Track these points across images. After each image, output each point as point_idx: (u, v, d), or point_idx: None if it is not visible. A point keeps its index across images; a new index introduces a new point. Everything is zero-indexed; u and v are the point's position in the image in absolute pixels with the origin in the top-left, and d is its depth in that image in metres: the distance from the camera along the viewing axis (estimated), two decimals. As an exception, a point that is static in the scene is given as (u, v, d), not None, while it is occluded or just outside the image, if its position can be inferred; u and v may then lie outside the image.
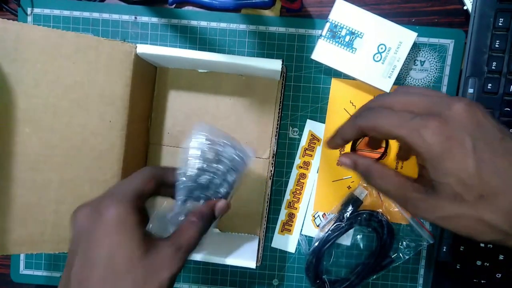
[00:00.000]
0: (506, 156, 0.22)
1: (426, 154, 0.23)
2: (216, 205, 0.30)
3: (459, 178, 0.22)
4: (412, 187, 0.25)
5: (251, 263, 0.39)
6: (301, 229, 0.46)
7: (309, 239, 0.46)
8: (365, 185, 0.44)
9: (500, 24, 0.39)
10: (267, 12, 0.44)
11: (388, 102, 0.26)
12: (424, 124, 0.23)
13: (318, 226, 0.46)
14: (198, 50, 0.43)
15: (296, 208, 0.46)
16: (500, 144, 0.22)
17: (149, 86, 0.44)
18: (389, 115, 0.25)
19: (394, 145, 0.44)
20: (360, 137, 0.31)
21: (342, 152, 0.45)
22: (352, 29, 0.41)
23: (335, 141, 0.30)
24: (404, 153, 0.33)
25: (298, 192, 0.45)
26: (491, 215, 0.22)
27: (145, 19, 0.45)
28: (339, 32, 0.42)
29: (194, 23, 0.45)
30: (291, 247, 0.46)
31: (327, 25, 0.42)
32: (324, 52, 0.42)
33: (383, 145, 0.44)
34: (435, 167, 0.23)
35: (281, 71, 0.38)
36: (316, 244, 0.44)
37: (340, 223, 0.43)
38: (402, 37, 0.41)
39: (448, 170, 0.22)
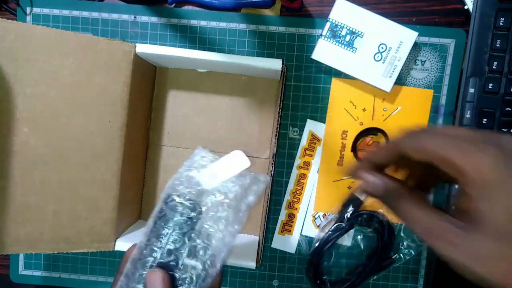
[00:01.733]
0: None
1: (478, 180, 0.20)
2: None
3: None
4: (446, 222, 0.22)
5: (251, 264, 0.39)
6: (301, 230, 0.45)
7: (310, 240, 0.45)
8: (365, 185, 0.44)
9: (501, 23, 0.39)
10: (267, 12, 0.44)
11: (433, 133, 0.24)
12: (481, 148, 0.21)
13: (318, 226, 0.45)
14: (198, 49, 0.43)
15: (296, 209, 0.45)
16: None
17: (149, 86, 0.44)
18: (440, 137, 0.23)
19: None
20: (395, 161, 0.28)
21: (343, 154, 0.44)
22: (353, 28, 0.41)
23: (363, 165, 0.27)
24: (431, 179, 0.28)
25: (298, 192, 0.45)
26: None
27: (144, 18, 0.45)
28: (339, 32, 0.41)
29: (193, 22, 0.45)
30: (291, 248, 0.46)
31: (328, 24, 0.42)
32: (325, 51, 0.42)
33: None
34: (486, 196, 0.20)
35: (281, 70, 0.38)
36: (317, 244, 0.44)
37: (341, 223, 0.43)
38: (402, 37, 0.41)
39: (501, 202, 0.20)
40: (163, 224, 0.28)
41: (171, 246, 0.28)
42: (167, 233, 0.28)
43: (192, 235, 0.28)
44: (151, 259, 0.28)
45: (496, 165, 0.20)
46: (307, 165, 0.45)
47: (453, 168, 0.22)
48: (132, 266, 0.28)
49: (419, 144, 0.24)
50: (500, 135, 0.22)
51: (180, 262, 0.27)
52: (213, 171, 0.29)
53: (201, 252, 0.28)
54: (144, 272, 0.27)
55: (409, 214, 0.23)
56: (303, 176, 0.45)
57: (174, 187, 0.29)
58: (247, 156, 0.39)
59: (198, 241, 0.28)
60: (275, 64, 0.37)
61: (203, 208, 0.28)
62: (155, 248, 0.28)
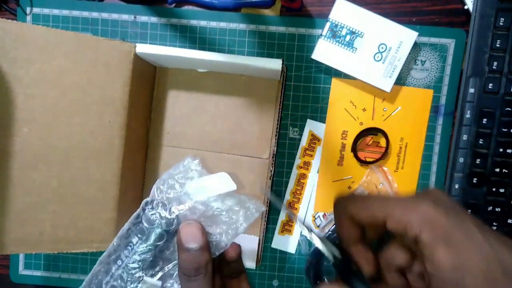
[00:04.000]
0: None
1: (424, 230, 0.22)
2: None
3: None
4: None
5: (251, 264, 0.39)
6: (301, 230, 0.45)
7: (310, 240, 0.45)
8: (365, 185, 0.44)
9: (501, 23, 0.39)
10: (267, 12, 0.44)
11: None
12: (419, 201, 0.22)
13: (318, 226, 0.45)
14: (198, 49, 0.43)
15: (296, 209, 0.45)
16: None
17: (149, 86, 0.44)
18: (379, 200, 0.24)
19: (394, 145, 0.44)
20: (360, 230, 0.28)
21: (343, 154, 0.44)
22: (353, 28, 0.41)
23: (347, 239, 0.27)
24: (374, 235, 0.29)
25: (298, 192, 0.45)
26: None
27: (144, 18, 0.45)
28: (339, 32, 0.41)
29: (193, 22, 0.45)
30: (291, 248, 0.46)
31: (328, 24, 0.42)
32: (325, 51, 0.42)
33: (384, 145, 0.44)
34: (430, 245, 0.21)
35: (281, 70, 0.38)
36: (316, 244, 0.44)
37: (341, 223, 0.43)
38: (402, 37, 0.41)
39: (446, 250, 0.21)
40: (135, 231, 0.27)
41: (137, 258, 0.27)
42: (137, 242, 0.27)
43: (164, 252, 0.27)
44: (115, 266, 0.27)
45: (436, 214, 0.21)
46: (307, 165, 0.45)
47: (398, 224, 0.22)
48: (98, 269, 0.27)
49: (365, 210, 0.25)
50: (431, 189, 0.23)
51: (142, 276, 0.26)
52: (199, 185, 0.28)
53: (165, 271, 0.27)
54: (107, 279, 0.26)
55: None
56: (303, 176, 0.45)
57: (155, 194, 0.28)
58: (247, 156, 0.39)
59: (166, 259, 0.27)
60: (275, 64, 0.37)
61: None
62: (122, 256, 0.27)
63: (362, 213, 0.25)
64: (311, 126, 0.45)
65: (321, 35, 0.42)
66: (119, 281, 0.26)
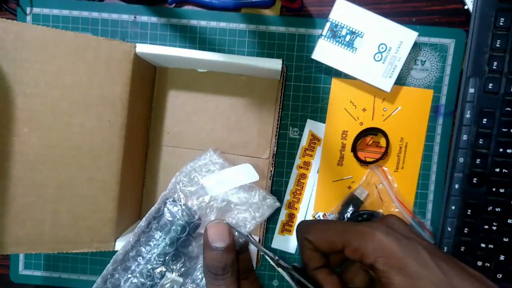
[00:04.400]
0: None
1: (380, 255, 0.22)
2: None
3: None
4: None
5: (251, 264, 0.39)
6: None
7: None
8: (365, 185, 0.44)
9: (501, 23, 0.39)
10: (267, 12, 0.44)
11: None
12: (373, 227, 0.23)
13: (318, 226, 0.45)
14: (198, 49, 0.43)
15: (296, 209, 0.45)
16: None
17: (149, 86, 0.44)
18: (335, 226, 0.25)
19: (395, 144, 0.44)
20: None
21: (343, 154, 0.44)
22: (353, 28, 0.41)
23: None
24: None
25: (298, 192, 0.45)
26: None
27: (144, 18, 0.45)
28: (339, 32, 0.41)
29: (193, 22, 0.45)
30: (291, 248, 0.46)
31: (328, 24, 0.42)
32: (325, 51, 0.42)
33: (384, 145, 0.44)
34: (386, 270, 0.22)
35: (281, 70, 0.38)
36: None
37: (340, 223, 0.43)
38: (402, 37, 0.41)
39: (402, 274, 0.22)
40: (157, 226, 0.27)
41: (159, 252, 0.26)
42: (160, 237, 0.27)
43: (187, 247, 0.27)
44: (135, 263, 0.26)
45: (388, 243, 0.22)
46: (307, 165, 0.45)
47: (354, 253, 0.23)
48: (112, 268, 0.26)
49: (324, 238, 0.25)
50: (387, 216, 0.25)
51: (164, 272, 0.26)
52: (220, 177, 0.28)
53: (187, 267, 0.27)
54: (127, 276, 0.26)
55: None
56: (303, 176, 0.45)
57: (176, 188, 0.28)
58: (247, 156, 0.38)
59: (187, 254, 0.27)
60: (275, 64, 0.37)
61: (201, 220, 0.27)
62: (143, 252, 0.26)
63: (321, 241, 0.25)
64: (311, 126, 0.45)
65: (321, 35, 0.42)
66: (139, 277, 0.26)
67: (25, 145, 0.34)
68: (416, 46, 0.43)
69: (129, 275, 0.26)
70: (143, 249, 0.26)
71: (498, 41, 0.39)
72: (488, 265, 0.41)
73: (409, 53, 0.41)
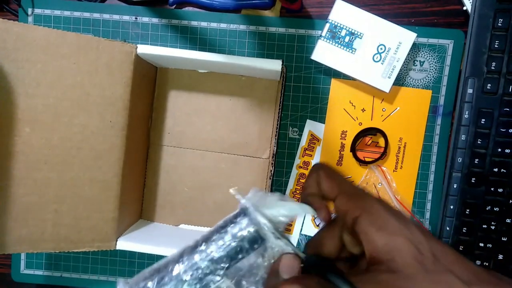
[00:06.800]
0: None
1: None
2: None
3: None
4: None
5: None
6: (301, 229, 0.46)
7: (309, 239, 0.45)
8: (365, 184, 0.44)
9: (499, 24, 0.39)
10: (267, 13, 0.44)
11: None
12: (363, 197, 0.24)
13: (318, 225, 0.46)
14: (199, 50, 0.43)
15: (296, 208, 0.46)
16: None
17: (150, 86, 0.44)
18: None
19: (393, 145, 0.44)
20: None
21: (342, 154, 0.45)
22: (352, 29, 0.41)
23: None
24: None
25: (298, 192, 0.45)
26: None
27: (145, 19, 0.45)
28: (339, 33, 0.42)
29: (194, 23, 0.45)
30: (291, 247, 0.46)
31: (327, 25, 0.42)
32: (324, 52, 0.42)
33: (383, 145, 0.44)
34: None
35: (281, 71, 0.38)
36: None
37: (340, 223, 0.43)
38: (401, 38, 0.41)
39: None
40: (228, 231, 0.26)
41: (223, 254, 0.26)
42: (225, 242, 0.26)
43: (250, 259, 0.26)
44: (193, 260, 0.26)
45: (379, 206, 0.23)
46: (306, 165, 0.45)
47: (345, 202, 0.25)
48: (179, 255, 0.26)
49: (330, 176, 0.27)
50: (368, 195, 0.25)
51: (221, 280, 0.26)
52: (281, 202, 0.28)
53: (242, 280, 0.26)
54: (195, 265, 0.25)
55: None
56: (302, 176, 0.45)
57: (255, 203, 0.27)
58: (247, 156, 0.38)
59: (245, 266, 0.26)
60: (275, 65, 0.37)
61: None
62: (211, 249, 0.26)
63: (326, 179, 0.27)
64: (310, 126, 0.45)
65: (320, 36, 0.42)
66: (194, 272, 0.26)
67: (26, 145, 0.35)
68: (415, 47, 0.43)
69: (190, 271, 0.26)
70: (211, 247, 0.26)
71: (496, 41, 0.40)
72: (487, 264, 0.42)
73: (408, 54, 0.41)
